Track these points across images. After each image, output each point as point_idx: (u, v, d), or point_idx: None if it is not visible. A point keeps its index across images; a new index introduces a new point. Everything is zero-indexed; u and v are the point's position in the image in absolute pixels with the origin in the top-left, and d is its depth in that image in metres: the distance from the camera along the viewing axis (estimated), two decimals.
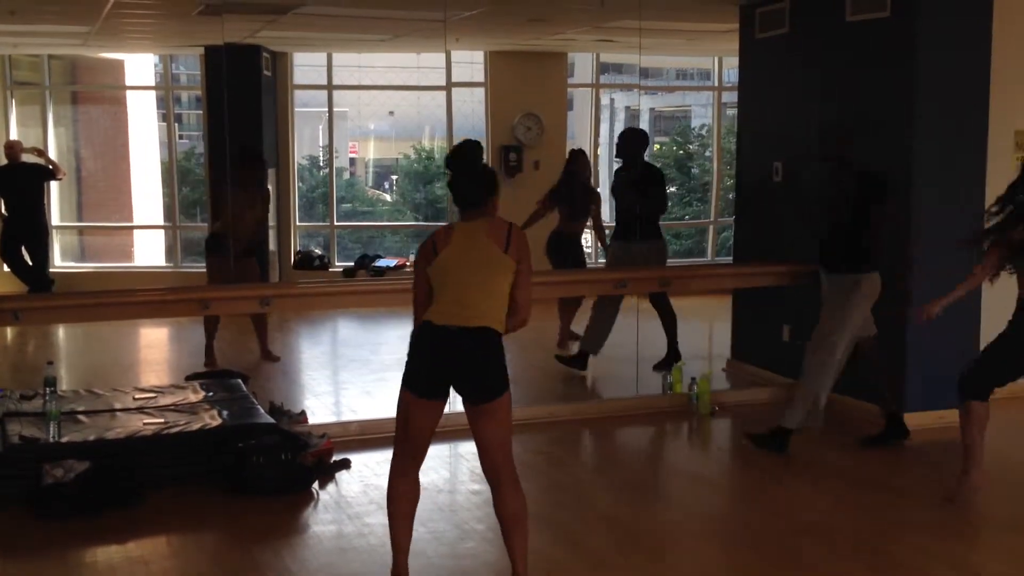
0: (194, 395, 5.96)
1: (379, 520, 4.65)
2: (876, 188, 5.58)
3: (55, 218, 11.46)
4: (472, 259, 3.65)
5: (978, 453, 4.85)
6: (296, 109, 11.60)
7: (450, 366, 3.61)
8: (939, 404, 6.01)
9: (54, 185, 11.10)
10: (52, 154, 11.11)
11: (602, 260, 8.97)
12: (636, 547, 4.49)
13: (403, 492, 3.80)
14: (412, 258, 11.37)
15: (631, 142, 7.74)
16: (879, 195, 5.57)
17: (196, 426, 5.31)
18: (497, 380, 3.64)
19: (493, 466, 3.72)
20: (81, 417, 5.48)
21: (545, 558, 4.26)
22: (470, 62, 11.82)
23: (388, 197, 14.44)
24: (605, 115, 12.74)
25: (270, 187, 8.64)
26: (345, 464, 5.45)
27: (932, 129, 6.08)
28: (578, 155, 8.43)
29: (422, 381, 3.64)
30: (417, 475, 3.82)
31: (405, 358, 3.70)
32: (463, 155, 3.79)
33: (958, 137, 6.15)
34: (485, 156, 11.03)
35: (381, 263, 11.23)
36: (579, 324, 8.16)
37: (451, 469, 5.50)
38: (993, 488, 5.10)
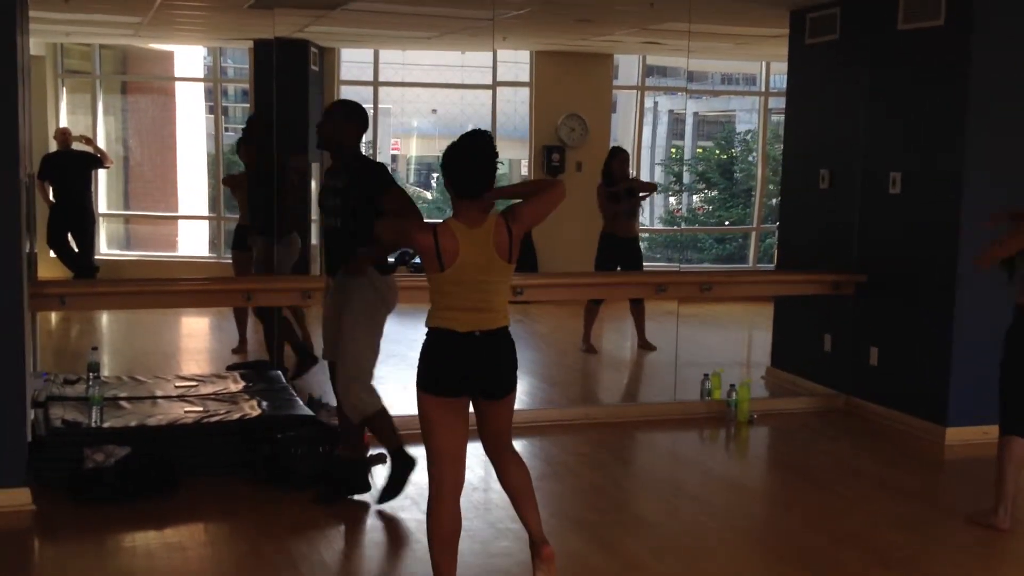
0: (234, 385, 6.01)
1: (414, 515, 4.67)
2: (373, 180, 4.79)
3: (102, 206, 11.59)
4: (482, 268, 3.60)
5: (1009, 491, 4.68)
6: None
7: (476, 370, 3.64)
8: (984, 419, 5.92)
9: (102, 173, 11.21)
10: (100, 143, 11.23)
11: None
12: (671, 552, 4.46)
13: (444, 526, 3.63)
14: None
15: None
16: (376, 188, 4.75)
17: (236, 416, 5.35)
18: (515, 374, 3.74)
19: (501, 446, 3.83)
20: (123, 403, 5.54)
21: (579, 560, 4.25)
22: (515, 61, 11.81)
23: (429, 195, 14.47)
24: (648, 118, 12.67)
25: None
26: (381, 459, 5.46)
27: (984, 142, 5.98)
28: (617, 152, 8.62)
29: (447, 382, 3.64)
30: (458, 504, 3.69)
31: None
32: (479, 142, 3.62)
33: (1011, 151, 6.05)
34: (529, 156, 11.10)
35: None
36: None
37: (485, 467, 5.48)
38: None
